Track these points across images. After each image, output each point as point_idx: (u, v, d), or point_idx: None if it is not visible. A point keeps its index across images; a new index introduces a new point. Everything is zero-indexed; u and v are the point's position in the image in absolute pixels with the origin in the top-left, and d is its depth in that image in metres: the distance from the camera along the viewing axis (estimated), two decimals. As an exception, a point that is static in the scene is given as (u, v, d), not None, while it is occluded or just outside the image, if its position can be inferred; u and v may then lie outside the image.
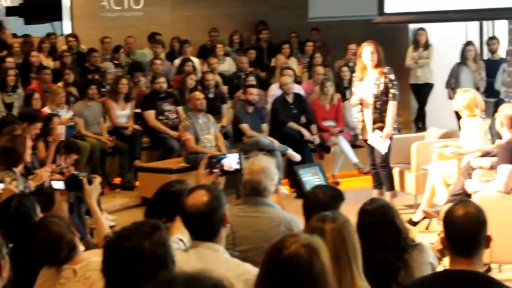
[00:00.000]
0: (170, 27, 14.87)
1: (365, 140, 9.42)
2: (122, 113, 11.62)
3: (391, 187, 9.47)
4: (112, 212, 10.01)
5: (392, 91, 9.12)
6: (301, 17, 14.47)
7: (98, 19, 14.77)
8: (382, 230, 4.35)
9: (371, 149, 9.39)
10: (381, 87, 9.11)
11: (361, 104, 9.26)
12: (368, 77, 9.21)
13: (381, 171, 9.41)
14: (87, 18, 14.72)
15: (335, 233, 3.68)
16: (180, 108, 11.77)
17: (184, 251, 3.96)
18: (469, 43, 13.27)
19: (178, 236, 4.33)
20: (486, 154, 8.07)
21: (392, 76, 9.15)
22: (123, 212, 10.29)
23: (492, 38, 13.59)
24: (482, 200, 6.78)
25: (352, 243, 3.70)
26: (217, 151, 10.31)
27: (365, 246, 3.83)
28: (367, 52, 9.19)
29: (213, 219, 3.90)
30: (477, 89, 12.23)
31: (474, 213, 3.58)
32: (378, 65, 9.16)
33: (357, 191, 10.12)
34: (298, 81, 13.16)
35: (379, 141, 9.13)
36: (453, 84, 12.91)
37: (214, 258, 3.86)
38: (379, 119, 9.16)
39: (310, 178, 7.93)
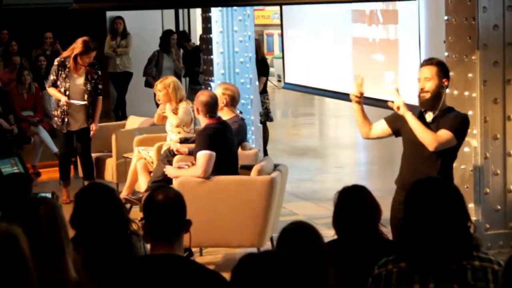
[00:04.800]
0: None
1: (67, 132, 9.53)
2: None
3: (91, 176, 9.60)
4: None
5: (100, 86, 9.68)
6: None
7: None
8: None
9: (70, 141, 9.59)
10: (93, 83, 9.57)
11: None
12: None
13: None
14: None
15: (48, 216, 3.61)
16: None
17: None
18: (171, 32, 13.49)
19: None
20: (185, 141, 8.27)
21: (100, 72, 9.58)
22: None
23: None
24: (182, 185, 6.94)
25: (64, 227, 3.66)
26: None
27: None
28: None
29: None
30: (178, 76, 12.54)
31: (173, 198, 3.65)
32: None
33: (58, 181, 10.00)
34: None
35: None
36: (154, 72, 13.05)
37: None
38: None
39: (10, 169, 7.68)
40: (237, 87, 8.42)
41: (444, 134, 5.60)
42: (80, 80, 9.58)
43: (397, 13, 9.31)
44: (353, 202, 4.28)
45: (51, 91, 9.62)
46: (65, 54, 9.72)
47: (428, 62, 5.79)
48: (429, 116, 5.71)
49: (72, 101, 9.49)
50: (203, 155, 7.09)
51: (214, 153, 7.07)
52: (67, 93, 9.49)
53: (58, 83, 9.50)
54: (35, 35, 13.76)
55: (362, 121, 5.92)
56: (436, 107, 5.70)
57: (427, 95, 5.66)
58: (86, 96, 9.57)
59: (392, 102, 5.75)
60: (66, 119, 9.55)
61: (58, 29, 13.72)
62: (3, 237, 2.98)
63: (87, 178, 9.70)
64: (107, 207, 4.18)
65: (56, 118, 9.66)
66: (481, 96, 7.18)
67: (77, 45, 9.50)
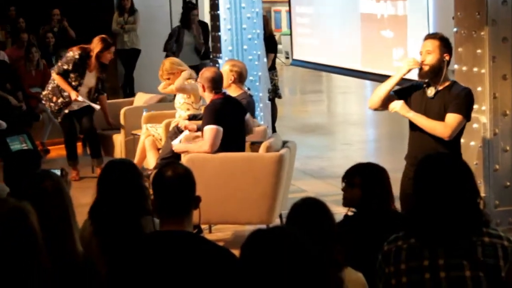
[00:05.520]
0: None
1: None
2: None
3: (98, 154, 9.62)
4: None
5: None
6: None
7: None
8: None
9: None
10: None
11: None
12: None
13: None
14: None
15: (54, 191, 3.64)
16: None
17: None
18: (192, 7, 13.42)
19: None
20: (193, 118, 8.27)
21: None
22: None
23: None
24: (190, 161, 6.94)
25: (70, 201, 3.69)
26: None
27: None
28: None
29: None
30: (198, 52, 12.54)
31: (183, 174, 3.63)
32: None
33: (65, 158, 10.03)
34: (2, 47, 12.71)
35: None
36: (174, 47, 12.95)
37: None
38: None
39: (19, 146, 7.70)
40: (244, 63, 8.41)
41: (453, 119, 5.59)
42: (92, 78, 9.58)
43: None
44: (373, 181, 4.33)
45: (59, 80, 9.47)
46: (75, 49, 9.59)
47: (431, 36, 5.78)
48: (430, 92, 5.70)
49: (80, 99, 9.45)
50: (209, 129, 7.08)
51: (221, 128, 7.06)
52: (78, 89, 9.46)
53: (71, 75, 9.45)
54: (43, 12, 13.71)
55: (386, 94, 5.87)
56: (437, 82, 5.68)
57: (427, 68, 5.66)
58: (92, 92, 9.62)
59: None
60: (65, 111, 9.53)
61: (65, 6, 13.69)
62: (13, 212, 3.02)
63: (95, 156, 9.69)
64: (132, 181, 4.24)
65: (52, 104, 9.60)
66: (490, 72, 7.14)
67: (96, 44, 9.44)
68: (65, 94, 9.44)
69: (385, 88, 5.84)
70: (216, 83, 7.33)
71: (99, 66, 9.49)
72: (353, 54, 10.11)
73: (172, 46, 12.95)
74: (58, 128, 11.41)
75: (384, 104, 5.87)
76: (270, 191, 7.14)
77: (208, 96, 7.38)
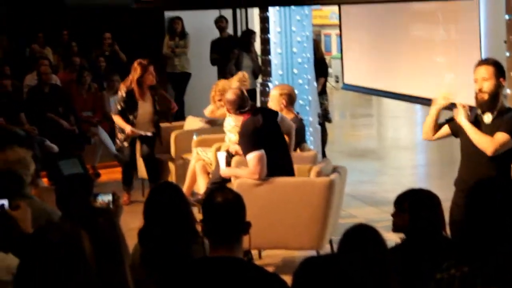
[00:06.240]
0: None
1: None
2: None
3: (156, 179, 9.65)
4: None
5: None
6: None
7: None
8: None
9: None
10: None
11: None
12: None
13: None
14: None
15: (106, 228, 3.63)
16: None
17: None
18: (252, 31, 13.49)
19: None
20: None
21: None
22: None
23: (221, 17, 13.86)
24: (241, 186, 6.93)
25: (123, 237, 3.66)
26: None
27: None
28: None
29: None
30: (256, 76, 12.57)
31: (233, 199, 3.63)
32: None
33: (118, 182, 10.07)
34: (54, 70, 12.85)
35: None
36: (234, 71, 12.98)
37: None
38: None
39: (70, 170, 7.75)
40: (292, 86, 8.38)
41: (501, 137, 5.53)
42: (148, 107, 9.66)
43: (456, 12, 9.18)
44: (423, 206, 4.29)
45: (116, 119, 9.67)
46: (121, 87, 9.72)
47: (485, 62, 5.72)
48: (487, 118, 5.64)
49: (136, 131, 9.58)
50: (253, 158, 7.02)
51: (262, 151, 6.99)
52: (135, 121, 9.58)
53: (127, 112, 9.59)
54: (94, 36, 13.87)
55: (433, 125, 5.90)
56: (494, 108, 5.63)
57: (486, 96, 5.59)
58: (154, 116, 9.73)
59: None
60: (125, 144, 9.69)
61: (117, 30, 13.83)
62: (69, 236, 3.05)
63: (153, 181, 9.67)
64: (177, 206, 4.24)
65: (118, 141, 9.82)
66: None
67: (133, 72, 9.55)
68: (126, 131, 9.60)
69: (428, 122, 5.93)
70: (238, 104, 7.23)
71: (148, 90, 9.55)
72: (404, 78, 10.04)
73: (232, 69, 13.00)
74: (109, 152, 11.51)
75: (438, 134, 5.90)
76: (321, 217, 7.09)
77: (236, 119, 7.31)
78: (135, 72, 9.47)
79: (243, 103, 7.26)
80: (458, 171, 5.83)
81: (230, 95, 7.29)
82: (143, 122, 9.62)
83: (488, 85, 5.59)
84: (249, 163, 7.08)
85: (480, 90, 5.61)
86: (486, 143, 5.53)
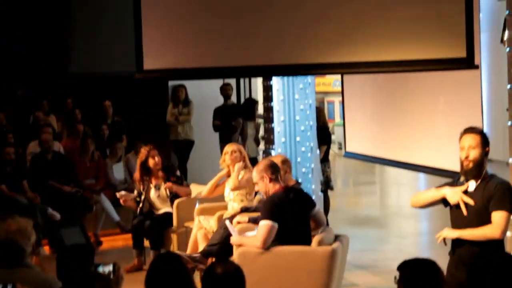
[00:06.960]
0: None
1: None
2: None
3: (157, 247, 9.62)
4: None
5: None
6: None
7: None
8: None
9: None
10: None
11: None
12: None
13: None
14: None
15: None
16: None
17: None
18: (255, 101, 13.63)
19: None
20: (245, 210, 8.26)
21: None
22: None
23: (227, 84, 13.99)
24: (242, 256, 6.91)
25: None
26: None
27: None
28: None
29: None
30: (258, 143, 12.62)
31: (232, 271, 3.64)
32: None
33: (119, 250, 10.03)
34: (58, 137, 12.92)
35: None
36: (239, 140, 13.06)
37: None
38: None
39: (72, 239, 7.74)
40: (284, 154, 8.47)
41: (500, 217, 5.54)
42: (162, 189, 9.80)
43: (458, 82, 9.24)
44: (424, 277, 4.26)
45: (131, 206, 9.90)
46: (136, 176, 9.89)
47: (472, 130, 5.74)
48: (471, 185, 5.65)
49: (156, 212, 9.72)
50: (264, 226, 7.03)
51: (276, 224, 7.00)
52: (144, 205, 9.72)
53: (142, 197, 9.70)
54: (98, 104, 13.96)
55: (426, 204, 5.90)
56: (479, 176, 5.65)
57: (471, 164, 5.62)
58: (167, 194, 9.80)
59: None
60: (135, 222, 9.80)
61: (120, 97, 13.92)
62: None
63: (153, 248, 9.61)
64: (179, 276, 4.24)
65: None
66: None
67: (138, 158, 9.78)
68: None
69: (427, 199, 5.88)
70: (272, 172, 7.29)
71: (153, 173, 9.66)
72: (406, 146, 10.06)
73: (238, 139, 13.07)
74: (110, 220, 11.49)
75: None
76: (322, 286, 7.04)
77: (269, 187, 7.29)
78: (138, 158, 9.81)
79: (275, 171, 7.30)
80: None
81: (262, 165, 7.34)
82: (160, 201, 9.80)
83: (474, 154, 5.61)
84: (258, 229, 7.09)
85: (467, 158, 5.64)
86: (491, 233, 5.53)
